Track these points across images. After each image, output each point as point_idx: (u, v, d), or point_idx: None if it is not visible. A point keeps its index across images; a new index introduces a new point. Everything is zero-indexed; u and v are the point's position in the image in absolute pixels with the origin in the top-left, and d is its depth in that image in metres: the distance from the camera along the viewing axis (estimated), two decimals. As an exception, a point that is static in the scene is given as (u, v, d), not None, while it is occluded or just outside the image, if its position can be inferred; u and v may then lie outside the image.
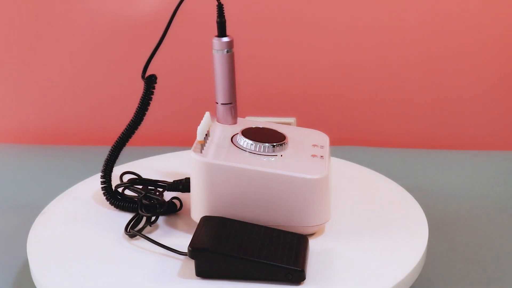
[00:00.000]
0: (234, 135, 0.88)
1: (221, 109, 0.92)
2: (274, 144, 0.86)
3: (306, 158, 0.85)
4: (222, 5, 0.87)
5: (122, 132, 0.94)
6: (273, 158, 0.84)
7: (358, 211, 0.91)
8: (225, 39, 0.88)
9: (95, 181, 1.02)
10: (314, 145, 0.89)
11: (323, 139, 0.92)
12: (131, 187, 0.94)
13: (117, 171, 1.05)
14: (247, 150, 0.85)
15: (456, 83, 1.42)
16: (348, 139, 1.43)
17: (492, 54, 1.39)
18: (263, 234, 0.80)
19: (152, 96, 0.93)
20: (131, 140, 1.48)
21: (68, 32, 1.42)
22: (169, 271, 0.78)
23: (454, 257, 1.01)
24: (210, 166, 0.82)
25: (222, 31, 0.89)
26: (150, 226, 0.88)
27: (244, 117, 0.96)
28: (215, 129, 0.91)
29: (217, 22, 0.88)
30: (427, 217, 0.90)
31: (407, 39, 1.39)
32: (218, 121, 0.92)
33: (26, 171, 1.33)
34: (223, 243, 0.77)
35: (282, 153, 0.85)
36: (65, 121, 1.49)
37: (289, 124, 0.96)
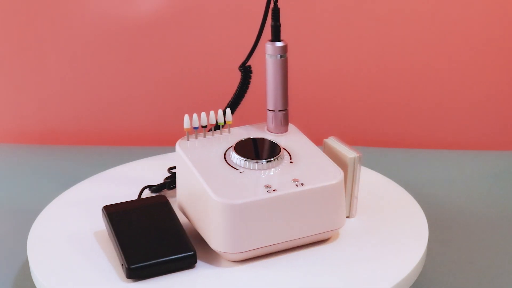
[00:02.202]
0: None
1: (269, 116, 0.89)
2: (244, 158, 0.82)
3: (257, 183, 0.79)
4: (279, 8, 0.84)
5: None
6: (231, 171, 0.81)
7: (358, 211, 0.91)
8: (279, 43, 0.85)
9: (95, 181, 1.02)
10: (294, 179, 0.80)
11: (321, 178, 0.81)
12: None
13: (118, 170, 1.05)
14: (225, 158, 0.84)
15: (456, 83, 1.42)
16: (348, 139, 1.43)
17: (492, 54, 1.39)
18: (167, 229, 0.82)
19: (248, 85, 0.92)
20: (131, 140, 1.49)
21: (68, 33, 1.42)
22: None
23: (454, 257, 1.01)
24: (177, 152, 0.85)
25: (276, 36, 0.85)
26: (167, 190, 0.96)
27: (326, 136, 0.92)
28: (263, 135, 0.88)
29: (272, 26, 0.85)
30: (427, 217, 0.90)
31: (407, 40, 1.39)
32: (267, 129, 0.90)
33: (26, 171, 1.33)
34: (125, 217, 0.83)
35: (247, 171, 0.81)
36: (65, 121, 1.49)
37: (344, 157, 0.87)
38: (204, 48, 1.42)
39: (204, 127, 0.86)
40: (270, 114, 0.89)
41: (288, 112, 0.90)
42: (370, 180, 1.01)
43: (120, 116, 1.48)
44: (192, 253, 0.78)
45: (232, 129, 0.89)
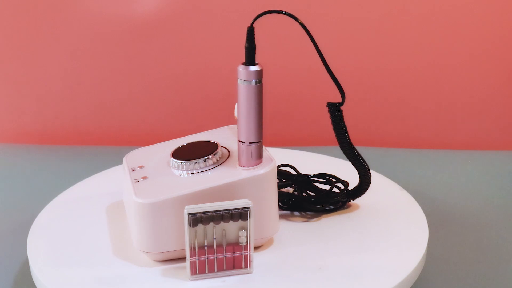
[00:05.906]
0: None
1: (240, 148, 0.78)
2: (172, 154, 0.82)
3: (139, 174, 0.82)
4: (253, 28, 0.74)
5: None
6: (160, 156, 0.85)
7: (358, 211, 0.91)
8: (254, 68, 0.75)
9: (94, 181, 1.02)
10: (142, 177, 0.81)
11: (153, 193, 0.77)
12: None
13: (118, 170, 1.05)
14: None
15: (456, 83, 1.42)
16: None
17: (492, 54, 1.39)
18: None
19: (339, 123, 0.88)
20: (130, 140, 1.49)
21: (68, 32, 1.42)
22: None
23: (454, 257, 1.01)
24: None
25: (250, 59, 0.75)
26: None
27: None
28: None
29: (246, 48, 0.74)
30: (427, 217, 0.90)
31: (407, 40, 1.39)
32: (239, 164, 0.79)
33: (26, 171, 1.33)
34: None
35: (159, 162, 0.83)
36: (65, 121, 1.49)
37: None
38: (205, 48, 1.42)
39: None
40: (241, 146, 0.78)
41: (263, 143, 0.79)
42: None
43: (120, 116, 1.48)
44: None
45: None
